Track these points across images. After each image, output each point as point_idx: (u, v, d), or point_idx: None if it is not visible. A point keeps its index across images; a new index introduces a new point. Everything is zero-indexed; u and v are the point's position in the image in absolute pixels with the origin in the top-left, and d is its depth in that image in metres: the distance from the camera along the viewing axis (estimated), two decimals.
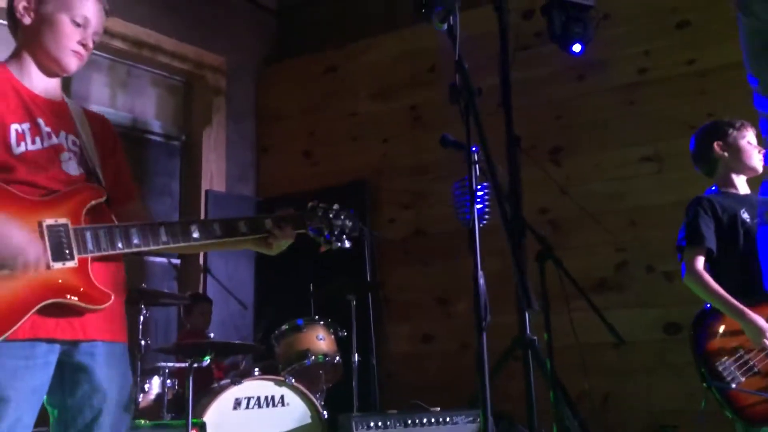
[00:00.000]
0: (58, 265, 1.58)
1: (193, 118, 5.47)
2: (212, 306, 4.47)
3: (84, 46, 1.78)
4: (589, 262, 4.15)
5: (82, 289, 1.61)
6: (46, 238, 1.58)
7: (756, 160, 2.71)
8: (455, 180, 3.43)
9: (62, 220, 1.62)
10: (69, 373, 1.68)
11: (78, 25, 1.76)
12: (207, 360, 3.14)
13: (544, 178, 4.03)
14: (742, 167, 2.72)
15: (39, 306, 1.55)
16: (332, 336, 3.87)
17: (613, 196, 4.24)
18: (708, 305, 2.57)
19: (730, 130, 2.73)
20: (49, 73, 1.80)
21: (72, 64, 1.78)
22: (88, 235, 1.64)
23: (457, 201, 2.27)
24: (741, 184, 2.74)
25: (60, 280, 1.59)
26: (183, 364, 3.62)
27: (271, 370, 3.70)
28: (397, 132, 5.05)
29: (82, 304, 1.62)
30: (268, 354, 3.92)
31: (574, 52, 3.52)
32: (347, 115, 5.29)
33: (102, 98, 5.00)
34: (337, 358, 3.80)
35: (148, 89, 5.34)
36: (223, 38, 5.53)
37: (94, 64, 4.95)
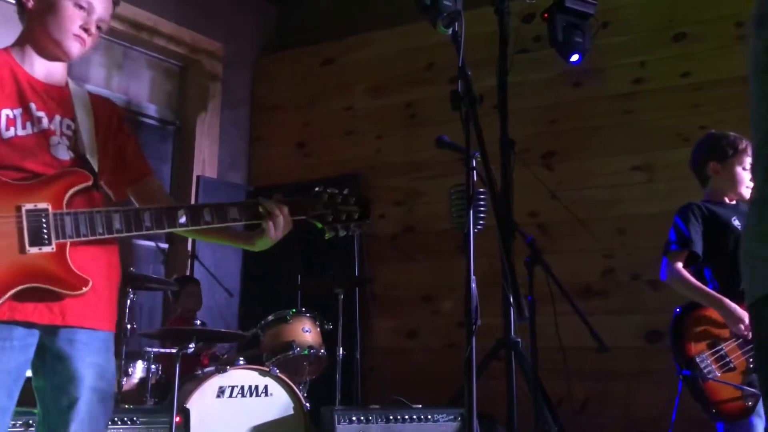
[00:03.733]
0: (33, 250, 1.58)
1: (188, 103, 5.45)
2: (200, 287, 4.46)
3: (86, 30, 1.77)
4: (575, 267, 4.19)
5: (58, 274, 1.61)
6: (24, 222, 1.58)
7: (744, 188, 2.71)
8: (447, 179, 3.44)
9: (42, 205, 1.62)
10: (50, 359, 1.69)
11: (81, 8, 1.75)
12: (192, 347, 3.15)
13: (535, 182, 4.07)
14: (731, 192, 2.74)
15: (14, 290, 1.56)
16: (318, 328, 3.89)
17: (602, 203, 4.27)
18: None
19: (730, 153, 2.71)
20: (50, 57, 1.79)
21: (74, 48, 1.77)
22: (67, 220, 1.63)
23: (453, 205, 2.29)
24: (729, 200, 2.78)
25: (36, 265, 1.58)
26: (168, 350, 3.63)
27: (255, 359, 3.72)
28: (392, 128, 5.06)
29: (57, 290, 1.61)
30: (253, 343, 3.93)
31: (572, 60, 3.54)
32: (342, 108, 5.29)
33: (97, 79, 4.97)
34: (322, 350, 3.82)
35: (144, 72, 5.31)
36: (222, 25, 5.51)
37: None
